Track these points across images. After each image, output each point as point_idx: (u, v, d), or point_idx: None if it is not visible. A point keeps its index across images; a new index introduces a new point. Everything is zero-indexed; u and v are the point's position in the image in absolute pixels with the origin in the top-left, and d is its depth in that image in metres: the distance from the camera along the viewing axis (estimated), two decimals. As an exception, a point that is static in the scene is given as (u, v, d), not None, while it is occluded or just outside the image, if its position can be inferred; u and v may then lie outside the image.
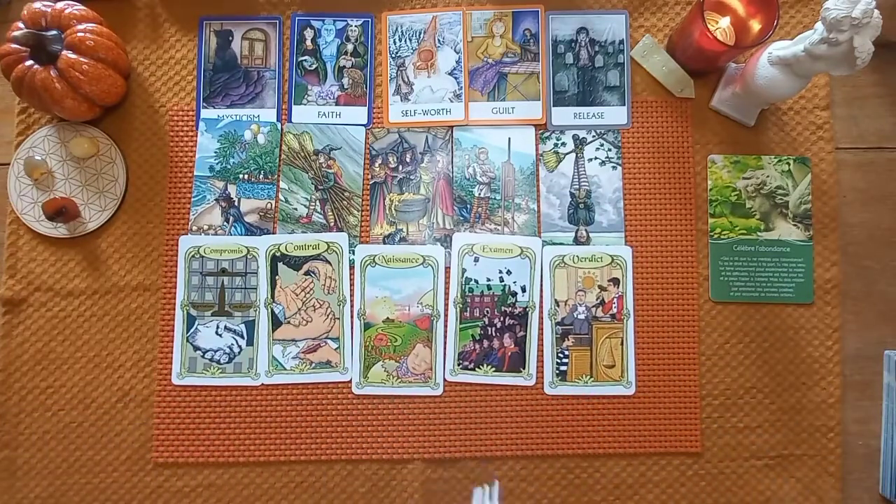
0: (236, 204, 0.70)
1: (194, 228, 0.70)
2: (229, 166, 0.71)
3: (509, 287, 0.69)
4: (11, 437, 0.68)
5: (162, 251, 0.70)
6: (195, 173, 0.71)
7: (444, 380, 0.68)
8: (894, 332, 0.69)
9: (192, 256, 0.69)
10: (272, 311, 0.69)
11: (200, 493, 0.67)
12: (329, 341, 0.69)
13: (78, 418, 0.68)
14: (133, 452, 0.67)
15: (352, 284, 0.69)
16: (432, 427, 0.68)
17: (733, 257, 0.70)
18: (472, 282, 0.69)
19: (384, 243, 0.70)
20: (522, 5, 0.73)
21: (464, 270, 0.69)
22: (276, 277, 0.69)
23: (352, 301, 0.69)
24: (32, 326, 0.69)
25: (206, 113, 0.72)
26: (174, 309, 0.69)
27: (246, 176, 0.71)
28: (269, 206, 0.70)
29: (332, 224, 0.70)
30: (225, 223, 0.70)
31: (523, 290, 0.69)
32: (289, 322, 0.69)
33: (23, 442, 0.68)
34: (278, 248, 0.69)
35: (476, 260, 0.69)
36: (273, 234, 0.70)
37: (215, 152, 0.71)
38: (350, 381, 0.68)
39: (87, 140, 0.70)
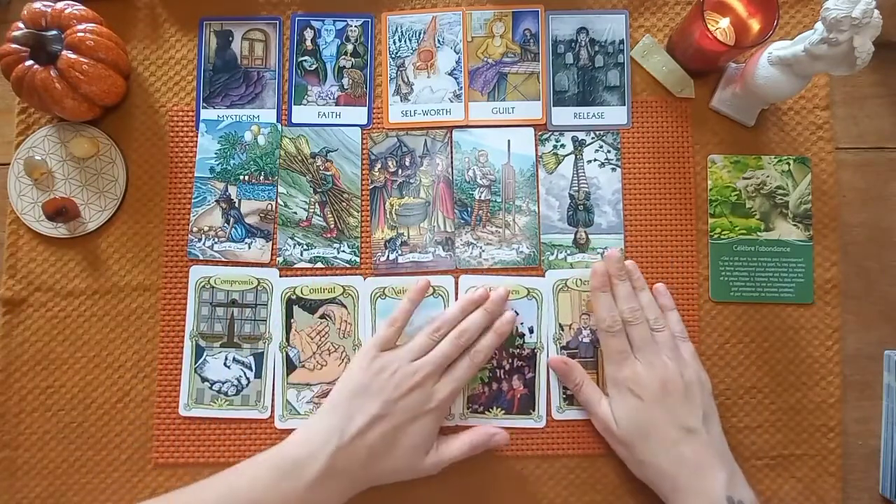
0: (237, 205, 0.70)
1: (195, 230, 0.70)
2: (230, 167, 0.71)
3: (517, 328, 0.68)
4: (11, 437, 0.68)
5: (162, 251, 0.70)
6: (195, 174, 0.71)
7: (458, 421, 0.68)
8: (894, 332, 0.69)
9: (203, 287, 0.69)
10: (287, 355, 0.68)
11: (201, 494, 0.67)
12: None
13: (78, 418, 0.68)
14: (133, 452, 0.67)
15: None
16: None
17: (733, 257, 0.70)
18: None
19: (385, 248, 0.70)
20: (522, 5, 0.73)
21: None
22: (292, 321, 0.69)
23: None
24: (32, 326, 0.69)
25: (206, 114, 0.72)
26: (174, 310, 0.69)
27: (246, 177, 0.71)
28: (269, 207, 0.70)
29: (332, 226, 0.70)
30: (225, 224, 0.70)
31: (531, 331, 0.68)
32: (303, 366, 0.68)
33: (23, 442, 0.68)
34: (294, 291, 0.69)
35: None
36: (273, 236, 0.70)
37: (216, 153, 0.71)
38: None
39: (87, 140, 0.70)
